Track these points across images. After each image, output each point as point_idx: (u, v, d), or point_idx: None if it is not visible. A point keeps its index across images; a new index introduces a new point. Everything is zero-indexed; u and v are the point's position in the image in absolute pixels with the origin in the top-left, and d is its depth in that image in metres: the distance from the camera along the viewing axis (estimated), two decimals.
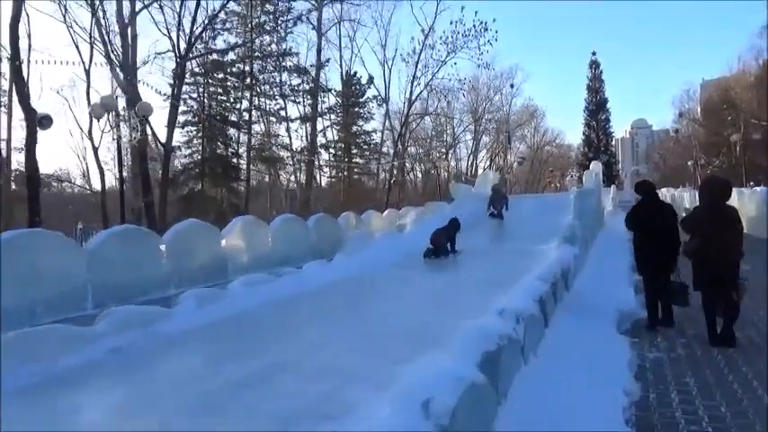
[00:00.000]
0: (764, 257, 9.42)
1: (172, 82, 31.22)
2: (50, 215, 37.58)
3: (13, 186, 31.64)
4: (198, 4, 30.06)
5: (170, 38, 30.94)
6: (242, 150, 41.50)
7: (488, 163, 56.79)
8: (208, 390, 4.05)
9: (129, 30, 26.18)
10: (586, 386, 4.14)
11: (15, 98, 22.68)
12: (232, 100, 41.17)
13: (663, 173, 63.38)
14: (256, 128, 41.99)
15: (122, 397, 4.14)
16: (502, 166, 52.79)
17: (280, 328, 6.00)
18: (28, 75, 31.84)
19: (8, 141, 26.31)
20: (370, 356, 4.65)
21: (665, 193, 29.72)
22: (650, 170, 64.67)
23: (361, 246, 11.43)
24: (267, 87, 41.59)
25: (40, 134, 18.33)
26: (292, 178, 45.37)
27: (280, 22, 38.25)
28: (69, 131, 63.20)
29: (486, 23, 38.92)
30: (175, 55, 30.56)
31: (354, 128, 47.32)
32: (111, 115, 17.14)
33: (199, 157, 40.39)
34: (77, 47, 29.80)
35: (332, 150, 47.25)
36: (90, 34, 28.13)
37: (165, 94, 27.07)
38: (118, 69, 26.40)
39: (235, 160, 41.79)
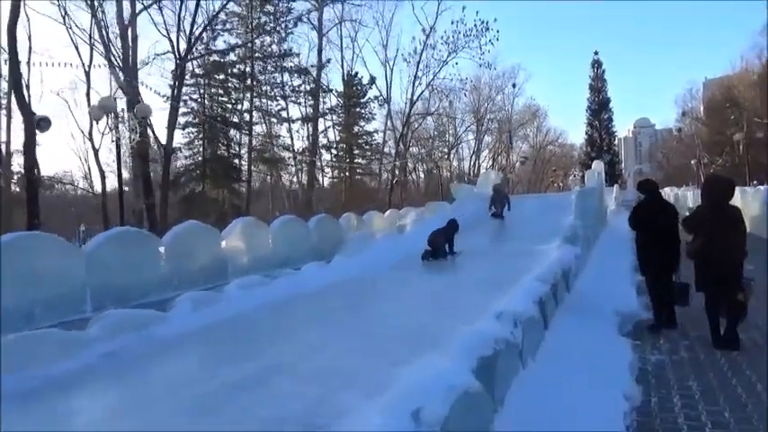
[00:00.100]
0: (766, 257, 9.30)
1: (172, 83, 31.24)
2: (53, 217, 37.67)
3: (15, 189, 31.65)
4: (197, 5, 30.06)
5: (169, 39, 30.97)
6: (243, 151, 41.51)
7: (491, 163, 56.68)
8: (199, 394, 3.99)
9: (130, 31, 26.19)
10: (586, 390, 4.04)
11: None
12: (233, 101, 41.17)
13: (666, 172, 63.19)
14: (257, 129, 42.05)
15: (112, 402, 4.08)
16: (504, 165, 52.72)
17: (275, 331, 5.93)
18: (28, 77, 32.07)
19: (7, 143, 26.31)
20: (366, 360, 4.57)
21: (668, 193, 29.60)
22: (653, 169, 64.52)
23: (360, 247, 11.35)
24: (268, 88, 41.59)
25: (44, 136, 18.34)
26: (294, 179, 45.38)
27: (280, 22, 38.22)
28: (71, 134, 63.26)
29: (487, 23, 38.89)
30: (175, 56, 30.55)
31: (356, 128, 47.28)
32: (110, 117, 17.09)
33: (200, 159, 40.39)
34: (77, 48, 29.90)
35: (333, 151, 47.23)
36: (90, 35, 28.21)
37: (164, 96, 27.06)
38: (119, 71, 26.41)
39: (236, 161, 41.79)
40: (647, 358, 5.15)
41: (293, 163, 43.27)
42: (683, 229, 5.99)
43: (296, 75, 41.71)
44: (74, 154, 75.37)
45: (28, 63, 27.01)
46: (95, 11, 26.20)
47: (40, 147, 38.64)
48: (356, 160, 47.26)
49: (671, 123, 65.76)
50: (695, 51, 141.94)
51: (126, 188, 32.89)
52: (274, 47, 39.93)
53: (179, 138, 38.12)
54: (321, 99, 42.12)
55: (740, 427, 3.64)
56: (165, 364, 4.93)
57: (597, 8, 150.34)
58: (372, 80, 44.65)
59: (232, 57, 38.93)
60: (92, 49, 29.17)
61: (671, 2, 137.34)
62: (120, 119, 18.00)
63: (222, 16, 35.04)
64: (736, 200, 8.55)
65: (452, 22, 39.43)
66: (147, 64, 29.87)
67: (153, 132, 29.80)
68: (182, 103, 34.33)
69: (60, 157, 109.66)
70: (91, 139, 32.94)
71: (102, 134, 31.58)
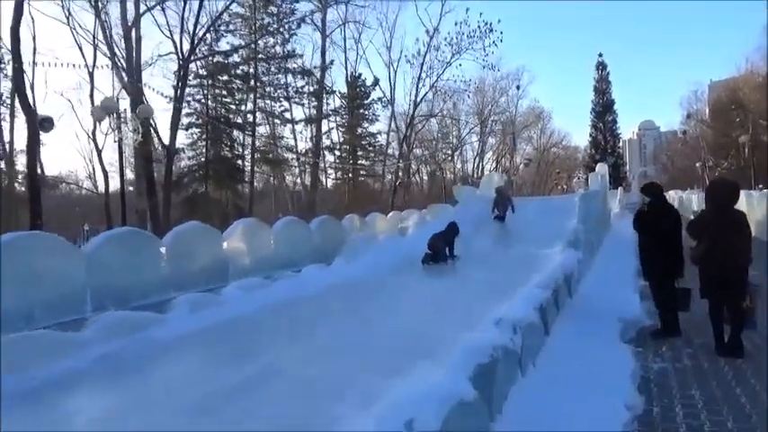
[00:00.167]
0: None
1: (175, 84, 31.28)
2: (58, 217, 37.81)
3: (20, 188, 31.78)
4: (200, 7, 30.09)
5: (172, 40, 31.01)
6: (246, 153, 41.53)
7: (494, 165, 56.58)
8: (189, 400, 3.94)
9: (134, 32, 26.24)
10: (586, 399, 3.97)
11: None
12: (236, 102, 41.22)
13: (671, 174, 62.94)
14: (261, 130, 42.08)
15: (99, 407, 4.02)
16: (508, 167, 52.59)
17: (271, 336, 5.88)
18: (33, 77, 32.34)
19: (11, 143, 26.41)
20: (361, 367, 4.48)
21: (672, 196, 29.40)
22: (658, 172, 64.32)
23: (361, 249, 11.25)
24: (271, 89, 41.61)
25: (49, 136, 18.39)
26: (298, 180, 45.38)
27: (283, 23, 38.24)
28: (75, 134, 63.58)
29: (491, 24, 38.92)
30: (178, 57, 30.60)
31: (359, 130, 47.26)
32: (112, 117, 17.10)
33: (203, 160, 40.44)
34: (81, 49, 29.99)
35: (337, 152, 47.23)
36: (93, 36, 28.26)
37: (168, 97, 27.11)
38: (123, 72, 26.48)
39: (239, 162, 41.81)
40: (650, 366, 5.05)
41: (296, 164, 43.31)
42: (687, 235, 5.90)
43: (299, 76, 41.80)
44: (78, 154, 75.83)
45: (33, 63, 27.20)
46: (99, 12, 26.24)
47: (44, 147, 38.96)
48: (359, 162, 47.25)
49: (676, 125, 65.73)
50: (700, 53, 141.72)
51: (130, 188, 33.08)
52: (278, 48, 40.06)
53: (182, 138, 38.29)
54: (324, 100, 42.15)
55: None
56: (159, 369, 4.86)
57: (602, 9, 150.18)
58: (376, 81, 44.74)
59: (235, 58, 39.07)
60: (95, 50, 29.27)
61: (676, 3, 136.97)
62: (122, 119, 17.99)
63: (225, 17, 35.20)
64: (742, 204, 8.43)
65: (456, 24, 39.57)
66: (151, 65, 29.94)
67: (156, 133, 29.84)
68: (185, 104, 34.42)
69: (66, 156, 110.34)
70: (94, 140, 33.02)
71: (105, 134, 31.62)
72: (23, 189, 31.23)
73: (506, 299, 5.27)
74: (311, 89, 42.09)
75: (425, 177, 57.38)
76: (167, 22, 30.99)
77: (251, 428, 3.41)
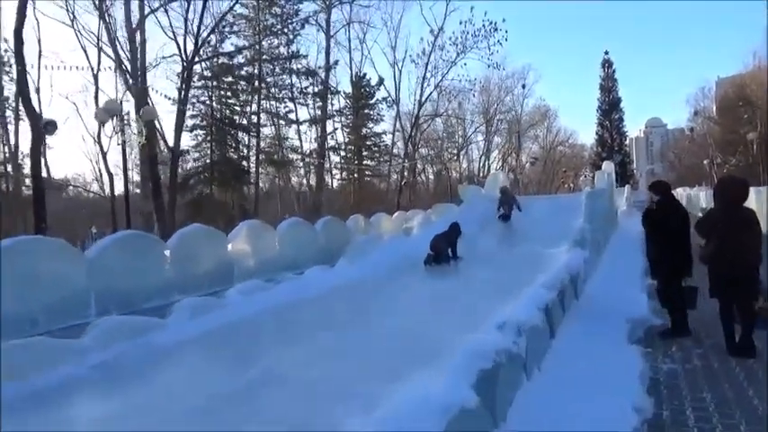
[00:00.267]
0: None
1: (179, 86, 31.30)
2: (66, 219, 37.97)
3: (27, 191, 31.94)
4: (204, 8, 30.08)
5: (176, 42, 31.01)
6: (251, 154, 41.54)
7: (500, 164, 56.36)
8: (187, 407, 3.88)
9: (138, 34, 26.28)
10: (594, 403, 3.85)
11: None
12: (241, 103, 41.24)
13: (678, 172, 62.49)
14: (265, 131, 42.06)
15: (93, 417, 3.93)
16: (514, 166, 52.41)
17: (272, 340, 5.81)
18: (38, 80, 32.50)
19: (16, 146, 26.54)
20: (362, 372, 4.40)
21: (680, 193, 29.16)
22: (665, 169, 63.89)
23: (365, 250, 11.16)
24: (276, 90, 41.61)
25: (57, 139, 18.46)
26: (304, 181, 45.40)
27: (287, 24, 38.22)
28: (82, 137, 63.81)
29: (495, 23, 38.75)
30: (182, 59, 30.61)
31: (364, 130, 47.18)
32: (115, 120, 17.10)
33: (208, 161, 40.48)
34: (85, 51, 30.09)
35: (342, 152, 47.18)
36: (98, 38, 28.34)
37: (172, 99, 27.14)
38: (127, 74, 26.53)
39: (244, 164, 41.82)
40: (659, 367, 4.93)
41: (302, 165, 43.31)
42: (695, 233, 5.77)
43: (304, 76, 41.75)
44: (85, 157, 76.25)
45: (38, 67, 27.34)
46: (103, 14, 26.30)
47: (51, 150, 39.19)
48: (365, 162, 47.16)
49: (683, 123, 65.21)
50: (706, 50, 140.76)
51: (137, 191, 33.14)
52: (282, 49, 40.07)
53: (187, 140, 38.35)
54: (329, 101, 42.12)
55: None
56: (158, 375, 4.79)
57: (607, 7, 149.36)
58: (381, 81, 44.64)
59: (240, 59, 39.09)
60: (100, 52, 29.36)
61: (681, 0, 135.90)
62: (126, 122, 18.01)
63: (229, 19, 35.17)
64: (751, 201, 8.29)
65: (461, 23, 39.35)
66: (155, 67, 29.98)
67: (161, 135, 29.88)
68: (189, 106, 34.45)
69: (73, 159, 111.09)
70: (99, 142, 33.11)
71: (110, 137, 31.75)
72: (30, 192, 31.36)
73: (511, 299, 5.17)
74: (316, 90, 42.07)
75: (431, 177, 57.27)
76: (171, 24, 31.02)
77: None
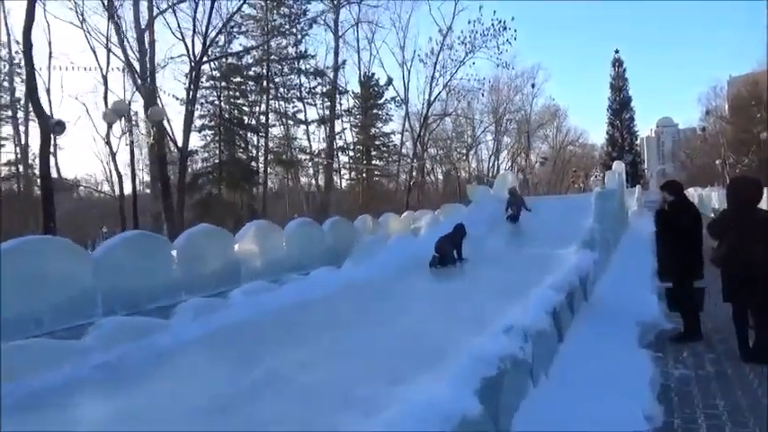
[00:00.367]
0: None
1: (188, 86, 31.36)
2: (77, 219, 38.26)
3: (38, 191, 32.20)
4: (212, 8, 30.09)
5: (184, 42, 31.02)
6: (260, 154, 41.59)
7: (510, 163, 56.09)
8: (188, 410, 3.81)
9: (147, 35, 26.36)
10: (603, 410, 3.74)
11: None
12: (249, 103, 41.29)
13: (690, 172, 61.85)
14: (274, 131, 42.09)
15: (91, 420, 3.88)
16: (524, 166, 52.12)
17: (275, 341, 5.73)
18: (49, 81, 32.74)
19: (24, 146, 26.75)
20: (364, 377, 4.30)
21: (692, 193, 28.81)
22: (676, 169, 63.23)
23: (372, 250, 11.09)
24: (284, 90, 41.63)
25: (68, 139, 18.58)
26: (312, 181, 45.41)
27: (295, 24, 38.24)
28: (92, 137, 64.22)
29: (504, 22, 38.43)
30: (190, 59, 30.64)
31: (373, 130, 47.09)
32: (123, 120, 17.15)
33: (216, 161, 40.56)
34: (95, 52, 30.21)
35: (351, 152, 47.13)
36: (107, 39, 28.45)
37: (180, 99, 27.19)
38: (136, 75, 26.63)
39: (252, 164, 41.86)
40: (670, 373, 4.82)
41: (310, 165, 43.31)
42: (707, 235, 5.64)
43: (312, 76, 41.75)
44: (96, 157, 76.80)
45: (49, 68, 27.52)
46: (112, 15, 26.41)
47: (62, 150, 39.50)
48: (373, 162, 47.08)
49: (694, 122, 64.67)
50: (718, 49, 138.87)
51: (147, 191, 33.27)
52: (290, 49, 40.04)
53: (196, 141, 38.41)
54: (338, 100, 42.09)
55: None
56: (159, 377, 4.74)
57: (617, 6, 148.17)
58: (389, 81, 44.47)
59: (248, 59, 39.11)
60: (109, 53, 29.48)
61: None
62: (134, 122, 18.07)
63: (237, 19, 35.20)
64: (765, 202, 8.13)
65: (469, 22, 39.04)
66: (163, 67, 30.03)
67: (170, 135, 29.95)
68: (198, 106, 34.50)
69: (85, 159, 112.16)
70: (108, 143, 33.24)
71: (119, 138, 31.90)
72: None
73: (518, 301, 5.07)
74: (324, 89, 42.05)
75: (440, 177, 57.07)
76: (179, 25, 31.00)
77: None
